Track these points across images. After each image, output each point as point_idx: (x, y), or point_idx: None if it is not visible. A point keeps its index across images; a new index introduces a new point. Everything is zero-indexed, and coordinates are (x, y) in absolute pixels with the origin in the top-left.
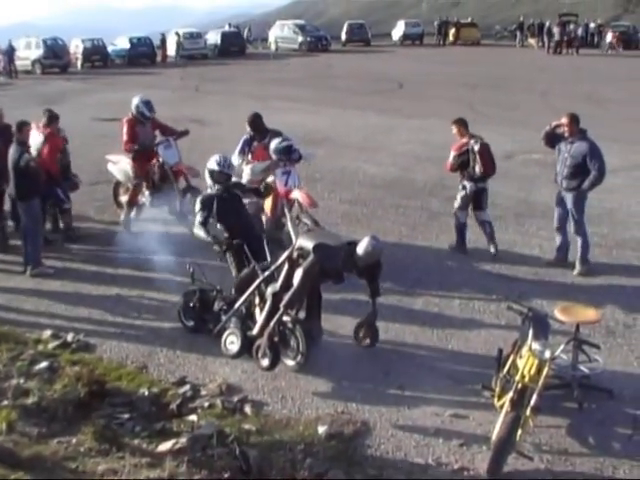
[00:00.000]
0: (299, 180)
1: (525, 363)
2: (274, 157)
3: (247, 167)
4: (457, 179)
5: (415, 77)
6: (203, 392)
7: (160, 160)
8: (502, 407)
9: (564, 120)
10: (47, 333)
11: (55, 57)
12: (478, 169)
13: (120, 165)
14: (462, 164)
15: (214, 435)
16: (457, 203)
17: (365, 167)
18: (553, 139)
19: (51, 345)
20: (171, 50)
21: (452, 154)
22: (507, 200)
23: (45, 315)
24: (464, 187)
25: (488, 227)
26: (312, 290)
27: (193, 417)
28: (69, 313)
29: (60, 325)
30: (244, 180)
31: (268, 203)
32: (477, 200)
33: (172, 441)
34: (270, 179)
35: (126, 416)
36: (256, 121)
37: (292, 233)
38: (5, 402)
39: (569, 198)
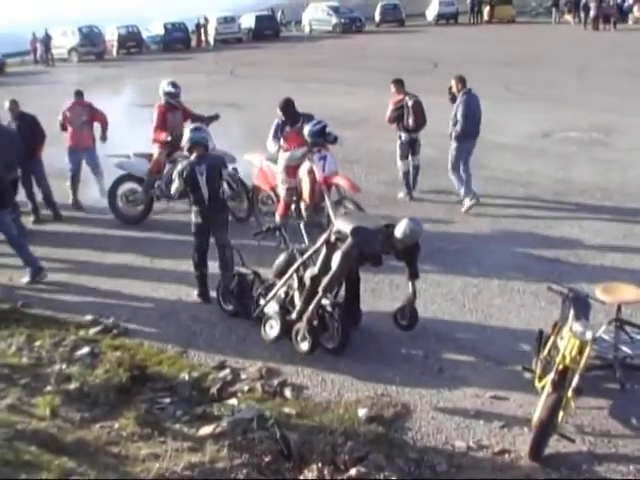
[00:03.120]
0: (336, 164)
1: (566, 344)
2: (309, 140)
3: (283, 154)
4: (495, 158)
5: (450, 56)
6: (243, 376)
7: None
8: (543, 388)
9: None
10: (88, 318)
11: (91, 45)
12: (411, 122)
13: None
14: (398, 117)
15: (254, 419)
16: (397, 153)
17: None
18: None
19: (92, 331)
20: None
21: (390, 108)
22: (545, 179)
23: (86, 301)
24: (400, 137)
25: (415, 172)
26: (350, 273)
27: (233, 401)
28: (109, 299)
29: (101, 311)
30: (279, 167)
31: (306, 189)
32: (412, 147)
33: (213, 425)
34: (306, 166)
35: (167, 401)
36: (288, 106)
37: (332, 217)
38: (48, 388)
39: None
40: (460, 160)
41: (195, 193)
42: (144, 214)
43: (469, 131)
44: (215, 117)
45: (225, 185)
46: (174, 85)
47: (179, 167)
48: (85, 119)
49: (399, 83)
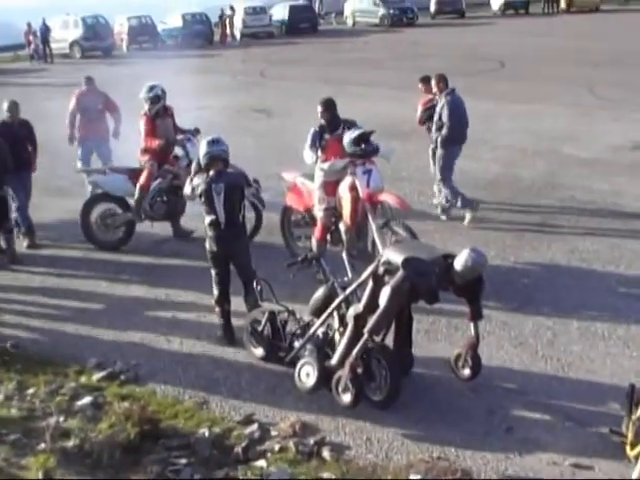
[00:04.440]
0: (382, 180)
1: None
2: (348, 151)
3: (321, 166)
4: (571, 176)
5: (520, 54)
6: (273, 432)
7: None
8: (637, 457)
9: None
10: (91, 362)
11: (96, 38)
12: None
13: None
14: (429, 118)
15: None
16: (434, 161)
17: (461, 163)
18: None
19: (96, 376)
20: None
21: (420, 109)
22: (634, 200)
23: (89, 340)
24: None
25: None
26: (401, 312)
27: (262, 463)
28: (116, 338)
29: (106, 352)
30: (317, 182)
31: (347, 208)
32: None
33: None
34: (347, 181)
35: (183, 462)
36: (329, 107)
37: (378, 242)
38: (42, 445)
39: None
40: (450, 169)
41: (210, 215)
42: (125, 238)
43: (457, 135)
44: (197, 131)
45: (248, 205)
46: (154, 89)
47: (195, 181)
48: (100, 107)
49: (427, 80)
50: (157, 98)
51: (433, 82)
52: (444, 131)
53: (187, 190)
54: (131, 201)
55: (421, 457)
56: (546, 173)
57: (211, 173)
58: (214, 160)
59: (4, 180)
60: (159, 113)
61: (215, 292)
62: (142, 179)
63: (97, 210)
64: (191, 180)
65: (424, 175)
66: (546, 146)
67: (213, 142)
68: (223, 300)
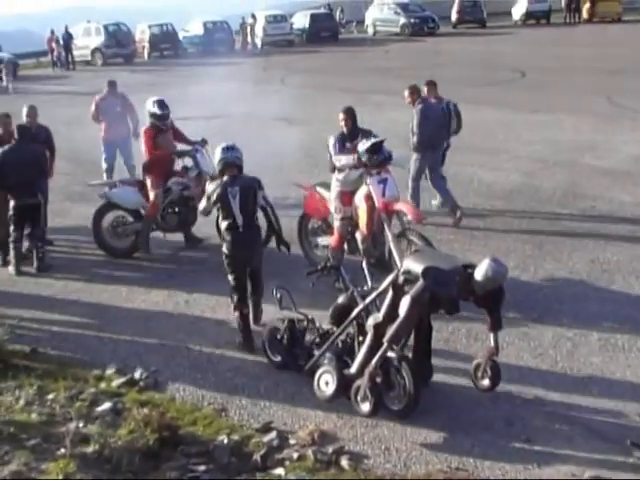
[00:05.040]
0: (398, 189)
1: None
2: (363, 159)
3: (337, 176)
4: (591, 186)
5: (541, 64)
6: (292, 441)
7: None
8: None
9: None
10: (111, 368)
11: (118, 45)
12: (455, 125)
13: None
14: None
15: None
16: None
17: (481, 173)
18: None
19: (115, 383)
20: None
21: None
22: None
23: (108, 346)
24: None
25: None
26: (421, 321)
27: (280, 471)
28: (136, 344)
29: (126, 358)
30: (333, 192)
31: (363, 218)
32: (443, 157)
33: None
34: (363, 191)
35: (202, 468)
36: (352, 115)
37: (395, 252)
38: (62, 450)
39: None
40: (422, 173)
41: (227, 219)
42: (135, 246)
43: (428, 142)
44: (204, 141)
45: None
46: (162, 105)
47: (209, 189)
48: (119, 110)
49: (433, 85)
50: (163, 117)
51: (406, 93)
52: (415, 138)
53: (202, 204)
54: (142, 211)
55: (439, 467)
56: (566, 183)
57: (225, 178)
58: (228, 166)
59: (40, 186)
60: (159, 129)
61: (234, 297)
62: (148, 210)
63: (108, 218)
64: (207, 198)
65: None
66: (566, 156)
67: (228, 149)
68: (242, 305)
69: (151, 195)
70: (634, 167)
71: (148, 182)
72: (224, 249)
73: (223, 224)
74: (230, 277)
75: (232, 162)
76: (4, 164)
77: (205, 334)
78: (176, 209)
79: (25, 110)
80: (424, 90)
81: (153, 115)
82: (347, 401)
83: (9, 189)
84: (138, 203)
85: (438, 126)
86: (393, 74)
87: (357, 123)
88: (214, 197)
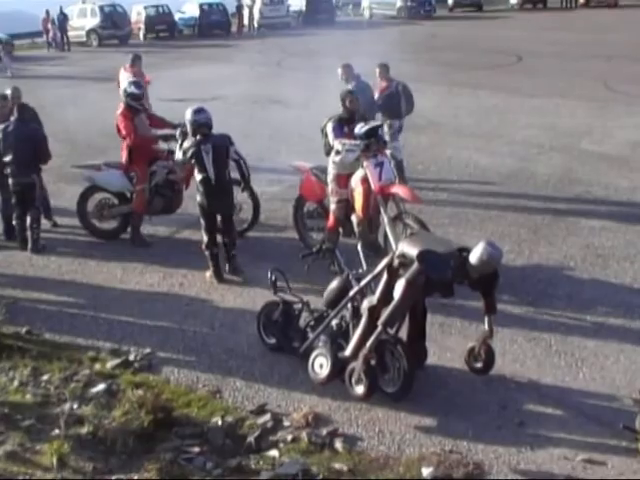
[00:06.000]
0: (394, 172)
1: None
2: (359, 143)
3: (333, 159)
4: (587, 171)
5: (537, 48)
6: (286, 423)
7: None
8: None
9: None
10: (105, 349)
11: (114, 27)
12: (404, 106)
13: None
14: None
15: (299, 475)
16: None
17: (476, 157)
18: None
19: (110, 364)
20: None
21: (376, 95)
22: None
23: (103, 328)
24: (390, 126)
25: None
26: (415, 305)
27: (274, 452)
28: (131, 326)
29: (120, 340)
30: (329, 175)
31: (359, 201)
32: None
33: None
34: (359, 174)
35: (196, 450)
36: (352, 100)
37: (390, 236)
38: (56, 431)
39: None
40: None
41: (201, 173)
42: (120, 229)
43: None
44: (181, 125)
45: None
46: (138, 86)
47: (185, 145)
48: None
49: (384, 67)
50: (138, 96)
51: (339, 71)
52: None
53: (178, 155)
54: (127, 194)
55: (433, 450)
56: (562, 167)
57: (198, 137)
58: (200, 127)
59: (35, 169)
60: (135, 110)
61: (205, 238)
62: (135, 204)
63: (93, 200)
64: (180, 147)
65: (439, 168)
66: (562, 140)
67: (198, 111)
68: (212, 245)
69: (137, 189)
70: (630, 152)
71: (133, 173)
72: (198, 198)
73: (198, 177)
74: (202, 221)
75: (204, 123)
76: (1, 140)
77: (199, 316)
78: (161, 193)
79: (9, 92)
80: (376, 72)
81: (130, 95)
82: (341, 384)
83: (4, 167)
84: (123, 186)
85: (371, 101)
86: (389, 58)
87: (358, 107)
88: (189, 154)
